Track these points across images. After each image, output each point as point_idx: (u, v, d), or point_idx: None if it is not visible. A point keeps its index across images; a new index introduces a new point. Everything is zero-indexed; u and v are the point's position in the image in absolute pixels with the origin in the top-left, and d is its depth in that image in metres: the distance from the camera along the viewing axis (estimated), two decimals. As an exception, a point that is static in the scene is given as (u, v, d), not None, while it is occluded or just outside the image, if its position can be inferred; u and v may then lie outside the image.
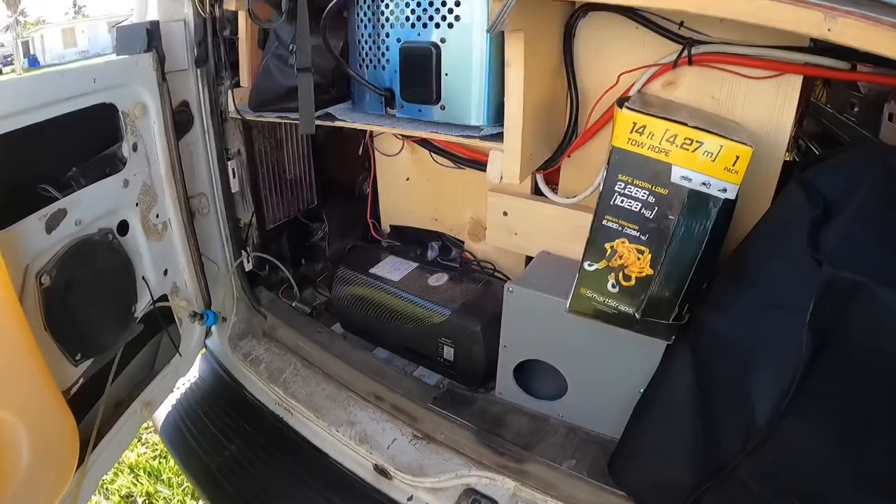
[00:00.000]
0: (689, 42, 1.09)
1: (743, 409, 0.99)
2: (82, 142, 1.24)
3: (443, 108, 1.20)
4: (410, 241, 1.78)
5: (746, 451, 0.99)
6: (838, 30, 0.74)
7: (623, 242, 1.06)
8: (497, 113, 1.15)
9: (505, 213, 1.44)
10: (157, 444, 2.11)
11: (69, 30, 30.61)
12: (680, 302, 1.09)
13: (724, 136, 0.95)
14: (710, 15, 0.80)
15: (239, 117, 1.51)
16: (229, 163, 1.59)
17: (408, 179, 1.74)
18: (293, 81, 1.32)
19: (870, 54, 0.73)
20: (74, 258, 1.16)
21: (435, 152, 1.54)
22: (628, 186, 1.02)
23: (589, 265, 1.10)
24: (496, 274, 1.61)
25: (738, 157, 0.95)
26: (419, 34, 1.17)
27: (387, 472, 1.33)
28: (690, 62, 1.11)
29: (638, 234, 1.04)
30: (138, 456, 2.05)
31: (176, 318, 1.48)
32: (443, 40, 1.14)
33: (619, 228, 1.05)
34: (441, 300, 1.46)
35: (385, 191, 1.82)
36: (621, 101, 1.02)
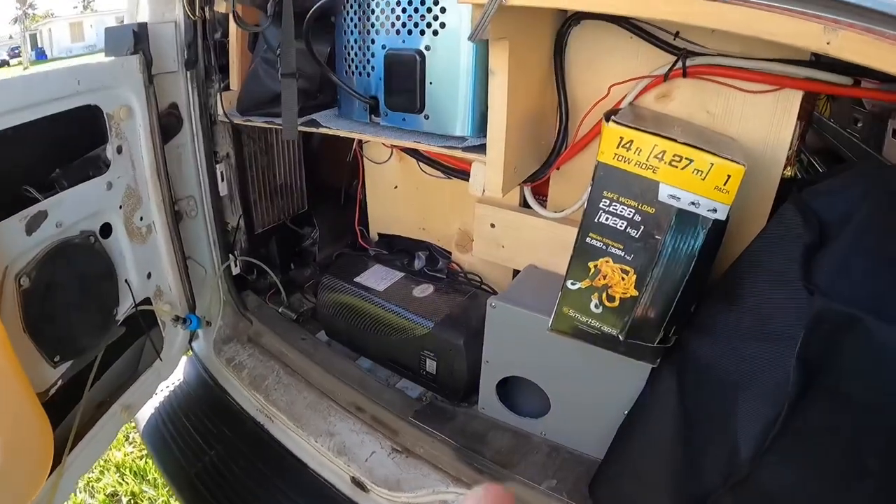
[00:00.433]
0: (683, 53, 1.01)
1: (726, 441, 0.92)
2: (66, 143, 1.19)
3: (427, 117, 1.13)
4: (398, 250, 1.71)
5: (727, 486, 0.92)
6: (838, 43, 0.66)
7: (607, 262, 0.99)
8: (482, 123, 1.07)
9: (492, 225, 1.37)
10: (143, 445, 2.05)
11: (77, 24, 30.59)
12: (666, 325, 1.01)
13: (716, 154, 0.87)
14: (699, 26, 0.72)
15: (227, 121, 1.45)
16: (218, 166, 1.53)
17: (396, 188, 1.66)
18: (280, 86, 1.25)
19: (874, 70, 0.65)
20: (54, 260, 1.11)
21: (423, 161, 1.47)
22: (613, 204, 0.94)
23: (572, 283, 1.03)
24: (483, 286, 1.53)
25: (729, 176, 0.87)
26: (404, 41, 1.10)
27: (364, 485, 1.26)
28: (685, 74, 1.02)
29: (623, 254, 0.97)
30: (125, 455, 1.99)
31: (159, 322, 1.42)
32: (427, 48, 1.07)
33: (604, 247, 0.98)
34: (425, 312, 1.38)
35: (373, 198, 1.75)
36: (609, 115, 0.94)
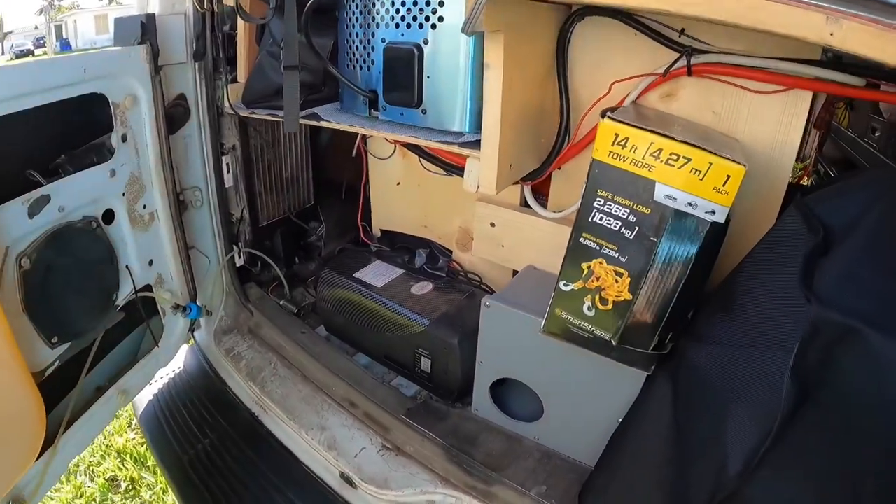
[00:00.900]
0: (688, 50, 0.96)
1: (716, 455, 0.86)
2: (71, 130, 1.19)
3: (424, 111, 1.09)
4: (399, 246, 1.67)
5: (715, 502, 0.86)
6: (842, 35, 0.61)
7: (601, 263, 0.94)
8: (480, 119, 1.03)
9: (492, 224, 1.33)
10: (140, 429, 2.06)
11: (102, 17, 30.60)
12: (661, 331, 0.96)
13: (715, 153, 0.82)
14: (690, 15, 0.68)
15: (234, 113, 1.43)
16: (224, 157, 1.52)
17: (399, 184, 1.62)
18: (280, 77, 1.23)
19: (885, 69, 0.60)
20: (56, 244, 1.11)
21: (424, 157, 1.43)
22: (608, 203, 0.90)
23: (565, 285, 0.98)
24: (482, 286, 1.48)
25: (729, 177, 0.82)
26: (403, 35, 1.07)
27: (352, 480, 1.23)
28: (690, 73, 0.97)
29: (617, 255, 0.92)
30: (126, 441, 2.00)
31: (159, 309, 1.41)
32: (426, 42, 1.04)
33: (598, 248, 0.93)
34: (421, 310, 1.35)
35: (376, 194, 1.72)
36: (607, 111, 0.89)
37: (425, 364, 1.34)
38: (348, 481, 1.25)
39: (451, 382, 1.32)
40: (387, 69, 1.11)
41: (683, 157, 0.83)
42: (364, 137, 1.60)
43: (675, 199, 0.85)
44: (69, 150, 1.17)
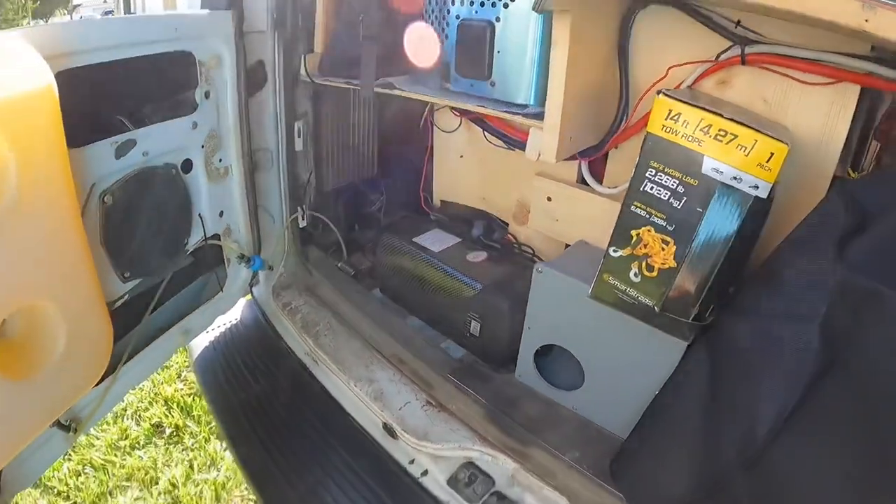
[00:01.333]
0: (743, 40, 1.13)
1: (746, 420, 0.99)
2: (161, 83, 1.40)
3: (493, 84, 1.29)
4: (458, 217, 1.89)
5: (742, 465, 0.99)
6: (876, 21, 0.75)
7: (649, 231, 1.11)
8: (544, 94, 1.22)
9: (549, 199, 1.51)
10: (194, 383, 2.32)
11: None
12: (702, 301, 1.12)
13: (760, 131, 0.97)
14: (744, 2, 0.84)
15: (309, 80, 1.67)
16: (296, 123, 1.75)
17: (462, 157, 1.84)
18: (359, 47, 1.45)
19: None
20: (137, 185, 1.31)
21: (488, 131, 1.63)
22: (659, 174, 1.06)
23: (614, 251, 1.15)
24: (535, 258, 1.68)
25: (772, 154, 0.98)
26: (476, 12, 1.26)
27: (394, 431, 1.42)
28: (744, 61, 1.13)
29: (664, 224, 1.08)
30: (175, 391, 2.27)
31: (225, 258, 1.64)
32: (497, 19, 1.23)
33: (647, 216, 1.09)
34: (475, 276, 1.55)
35: (440, 166, 1.94)
36: (662, 91, 1.07)
37: (475, 328, 1.53)
38: (390, 432, 1.44)
39: (499, 347, 1.51)
40: (460, 43, 1.31)
41: (731, 134, 0.99)
42: (432, 111, 1.82)
43: (721, 172, 1.01)
44: (156, 102, 1.38)
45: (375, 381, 1.51)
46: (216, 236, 1.60)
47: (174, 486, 2.01)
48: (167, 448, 2.11)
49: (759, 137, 0.98)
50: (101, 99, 1.23)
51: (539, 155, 1.21)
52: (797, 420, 0.94)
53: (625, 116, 1.31)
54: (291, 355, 1.68)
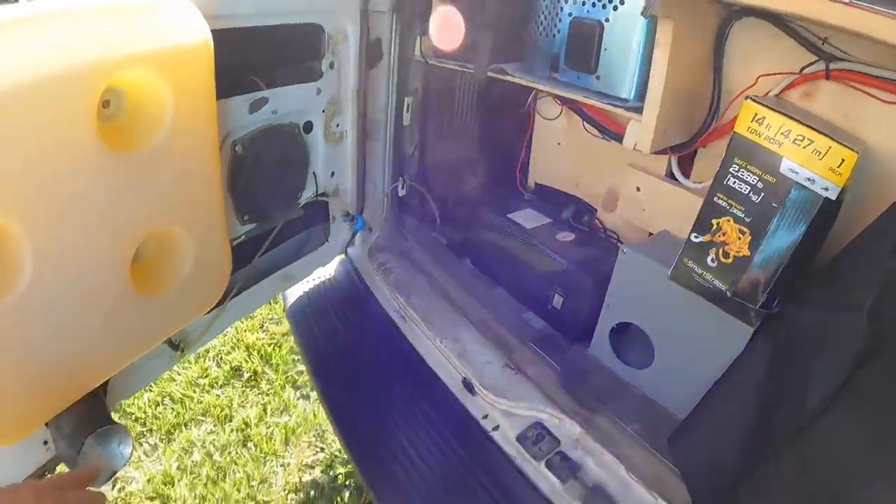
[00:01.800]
0: (828, 57, 1.35)
1: (795, 398, 1.18)
2: (293, 50, 1.69)
3: (598, 78, 1.58)
4: (550, 199, 2.21)
5: (789, 440, 1.15)
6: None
7: (728, 221, 1.36)
8: (643, 91, 1.48)
9: (638, 189, 1.79)
10: (275, 334, 2.72)
11: None
12: (771, 290, 1.36)
13: (833, 139, 1.21)
14: (830, 23, 1.05)
15: (423, 60, 2.01)
16: (406, 99, 2.10)
17: (559, 144, 2.16)
18: (475, 35, 1.77)
19: None
20: (264, 138, 1.58)
21: (586, 121, 1.92)
22: (741, 170, 1.32)
23: (695, 237, 1.41)
24: (619, 244, 1.96)
25: (843, 160, 1.20)
26: (588, 11, 1.55)
27: (472, 387, 1.70)
28: (828, 76, 1.36)
29: (743, 216, 1.32)
30: (256, 339, 2.67)
31: (331, 216, 2.00)
32: (607, 20, 1.52)
33: (728, 207, 1.34)
34: (563, 253, 1.85)
35: (537, 151, 2.28)
36: (749, 97, 1.32)
37: (558, 301, 1.83)
38: (469, 387, 1.72)
39: (577, 322, 1.80)
40: (570, 39, 1.61)
41: (808, 139, 1.24)
42: (535, 98, 2.13)
43: (796, 173, 1.25)
44: (287, 67, 1.67)
45: (460, 340, 1.82)
46: (325, 194, 1.94)
47: (247, 424, 2.40)
48: (244, 390, 2.50)
49: (832, 144, 1.21)
50: (242, 59, 1.48)
51: (635, 144, 1.49)
52: (840, 400, 1.12)
53: (715, 118, 1.56)
54: (381, 311, 2.01)
